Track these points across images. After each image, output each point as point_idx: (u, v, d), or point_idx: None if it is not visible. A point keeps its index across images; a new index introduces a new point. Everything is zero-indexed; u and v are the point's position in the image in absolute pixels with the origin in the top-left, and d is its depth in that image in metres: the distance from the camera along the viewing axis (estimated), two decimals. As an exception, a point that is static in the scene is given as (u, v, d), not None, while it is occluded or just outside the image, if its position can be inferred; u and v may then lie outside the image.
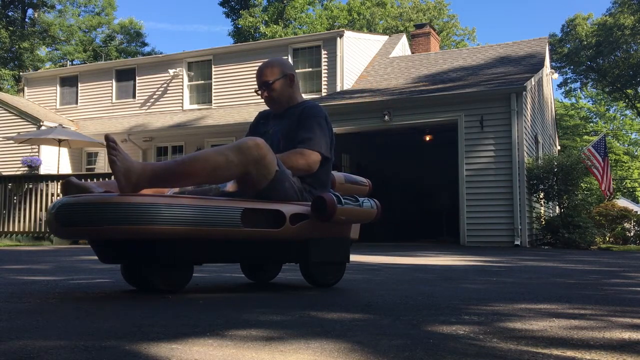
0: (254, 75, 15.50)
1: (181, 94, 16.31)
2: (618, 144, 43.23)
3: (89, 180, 10.60)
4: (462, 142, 10.70)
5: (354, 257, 6.41)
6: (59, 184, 11.02)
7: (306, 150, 2.86)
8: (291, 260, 2.93)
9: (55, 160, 14.91)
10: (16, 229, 10.99)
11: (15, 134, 15.20)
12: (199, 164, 2.47)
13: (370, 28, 35.07)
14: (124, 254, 2.57)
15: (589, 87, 41.74)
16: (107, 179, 10.33)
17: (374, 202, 2.95)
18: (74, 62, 33.58)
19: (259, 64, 16.04)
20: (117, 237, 2.42)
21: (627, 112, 43.42)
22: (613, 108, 45.02)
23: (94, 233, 2.39)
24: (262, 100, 3.13)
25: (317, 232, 2.80)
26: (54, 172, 14.00)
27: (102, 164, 16.64)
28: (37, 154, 15.78)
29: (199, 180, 2.54)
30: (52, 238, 10.69)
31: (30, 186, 11.08)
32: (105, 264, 2.90)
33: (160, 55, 18.45)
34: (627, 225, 15.11)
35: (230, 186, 2.81)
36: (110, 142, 2.36)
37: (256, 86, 3.12)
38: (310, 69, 15.06)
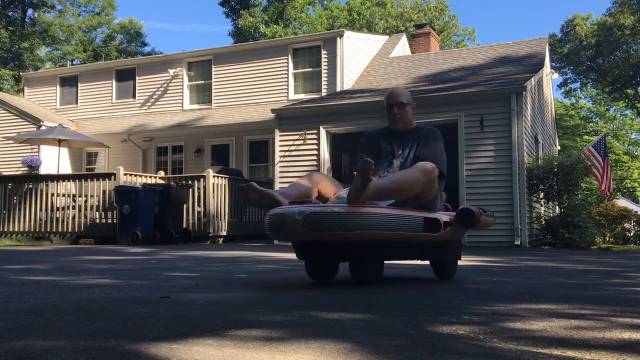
0: (254, 75, 15.27)
1: (181, 94, 16.31)
2: (618, 144, 43.24)
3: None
4: (462, 142, 10.70)
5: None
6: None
7: (422, 163, 3.25)
8: (432, 258, 3.56)
9: (55, 160, 14.91)
10: (16, 229, 10.99)
11: (15, 134, 15.20)
12: (404, 184, 3.07)
13: (370, 28, 35.06)
14: (341, 253, 3.09)
15: (589, 87, 41.72)
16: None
17: (491, 213, 3.73)
18: (74, 62, 33.58)
19: (259, 63, 15.78)
20: (356, 240, 2.95)
21: (627, 112, 43.42)
22: (613, 108, 45.03)
23: (338, 236, 2.89)
24: (391, 117, 3.62)
25: (452, 236, 3.44)
26: (54, 172, 13.99)
27: (102, 164, 16.64)
28: (37, 154, 15.77)
29: (401, 196, 3.14)
30: (52, 238, 10.69)
31: (30, 186, 11.08)
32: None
33: (160, 55, 18.43)
34: (627, 225, 15.09)
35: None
36: (370, 165, 2.77)
37: (385, 104, 3.70)
38: (310, 69, 15.05)
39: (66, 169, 15.88)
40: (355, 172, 2.84)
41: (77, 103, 17.68)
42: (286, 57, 15.15)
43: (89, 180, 10.75)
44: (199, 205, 10.97)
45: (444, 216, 3.29)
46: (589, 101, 45.86)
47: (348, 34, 15.26)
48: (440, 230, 3.20)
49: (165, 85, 16.53)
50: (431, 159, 3.30)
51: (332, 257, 3.25)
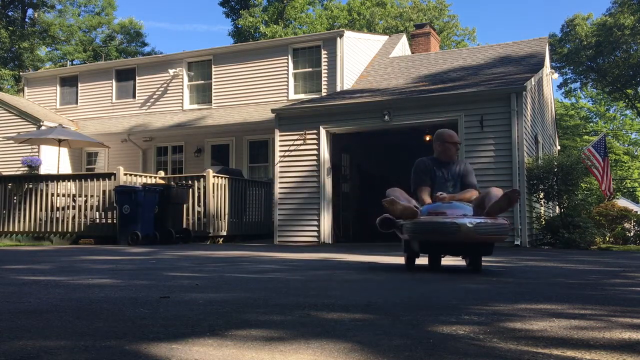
0: (254, 75, 15.27)
1: (181, 94, 16.30)
2: (618, 144, 43.21)
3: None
4: (462, 142, 10.70)
5: (353, 258, 6.41)
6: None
7: (500, 190, 4.39)
8: (485, 253, 4.55)
9: (55, 160, 14.90)
10: (16, 229, 10.98)
11: (15, 134, 15.19)
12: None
13: (370, 28, 35.05)
14: (468, 251, 4.45)
15: (589, 87, 41.70)
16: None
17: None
18: (74, 62, 33.56)
19: (259, 63, 15.75)
20: (498, 242, 4.45)
21: (627, 112, 43.39)
22: (613, 108, 45.01)
23: (493, 239, 4.25)
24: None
25: None
26: (54, 172, 13.99)
27: (102, 164, 16.64)
28: (37, 154, 15.77)
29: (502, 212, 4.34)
30: (52, 238, 10.69)
31: (30, 186, 11.08)
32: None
33: (160, 55, 18.42)
34: (627, 225, 15.06)
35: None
36: (516, 195, 3.99)
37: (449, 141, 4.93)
38: (310, 69, 15.05)
39: (66, 169, 15.88)
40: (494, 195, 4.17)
41: (77, 103, 17.68)
42: (286, 57, 15.15)
43: (89, 180, 10.75)
44: (199, 205, 10.97)
45: None
46: (589, 101, 45.87)
47: (348, 34, 15.25)
48: None
49: (165, 85, 16.53)
50: (475, 187, 4.70)
51: (458, 254, 4.56)
